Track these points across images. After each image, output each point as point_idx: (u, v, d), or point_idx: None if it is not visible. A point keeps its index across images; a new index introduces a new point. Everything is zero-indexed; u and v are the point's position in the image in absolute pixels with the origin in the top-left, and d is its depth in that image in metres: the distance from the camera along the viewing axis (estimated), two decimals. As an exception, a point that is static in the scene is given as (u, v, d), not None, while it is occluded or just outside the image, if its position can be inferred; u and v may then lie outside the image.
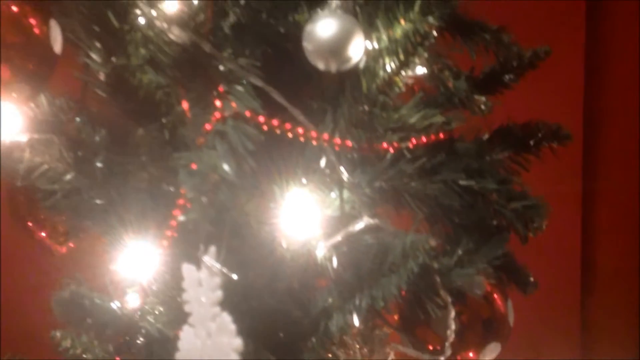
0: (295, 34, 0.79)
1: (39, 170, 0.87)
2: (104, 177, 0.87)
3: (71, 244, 1.14)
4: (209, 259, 0.75)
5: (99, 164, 0.87)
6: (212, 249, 0.75)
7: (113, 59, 0.79)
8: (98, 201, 0.88)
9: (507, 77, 1.05)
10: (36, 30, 0.75)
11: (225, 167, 0.68)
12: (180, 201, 0.75)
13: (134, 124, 0.86)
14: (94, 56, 0.79)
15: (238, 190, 0.71)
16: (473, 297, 0.97)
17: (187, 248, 0.78)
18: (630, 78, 2.02)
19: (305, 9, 0.82)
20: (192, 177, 0.68)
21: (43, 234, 1.13)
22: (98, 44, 0.78)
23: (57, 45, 0.77)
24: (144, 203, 0.87)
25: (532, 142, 1.05)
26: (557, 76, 1.68)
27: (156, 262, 0.85)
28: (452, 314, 0.88)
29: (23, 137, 0.87)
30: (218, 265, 0.75)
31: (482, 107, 1.05)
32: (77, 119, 0.86)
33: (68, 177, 0.88)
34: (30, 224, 1.13)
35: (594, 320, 2.12)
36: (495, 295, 1.00)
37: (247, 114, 0.74)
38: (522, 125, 1.06)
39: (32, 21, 0.75)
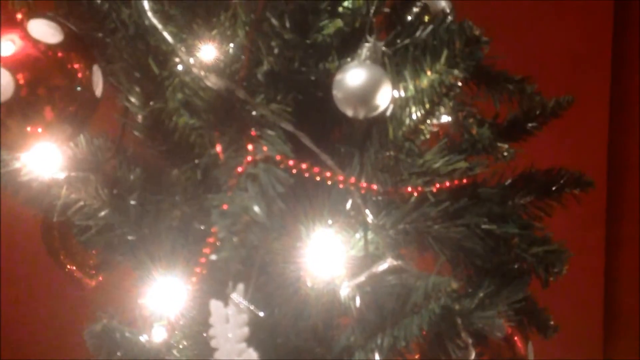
0: (325, 81, 0.82)
1: (75, 207, 0.90)
2: (137, 214, 0.90)
3: (101, 278, 1.15)
4: (236, 296, 0.77)
5: (132, 202, 0.90)
6: (240, 286, 0.77)
7: (151, 102, 0.82)
8: (130, 237, 0.91)
9: (530, 125, 1.06)
10: (79, 75, 0.76)
11: (256, 208, 0.70)
12: (211, 240, 0.77)
13: (169, 165, 0.88)
14: (134, 100, 0.82)
15: (267, 230, 0.73)
16: (494, 339, 0.97)
17: (215, 285, 0.80)
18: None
19: (335, 59, 0.84)
20: (224, 217, 0.70)
21: (74, 268, 1.14)
22: (138, 89, 0.82)
23: (99, 89, 0.79)
24: (174, 240, 0.89)
25: (554, 188, 1.06)
26: (581, 123, 1.69)
27: (184, 297, 0.86)
28: (473, 355, 0.89)
29: (61, 175, 0.89)
30: (245, 303, 0.76)
31: (505, 153, 1.06)
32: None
33: (103, 213, 0.90)
34: (62, 257, 1.14)
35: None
36: (516, 338, 1.00)
37: (278, 157, 0.76)
38: (544, 171, 1.07)
39: (77, 66, 0.76)
